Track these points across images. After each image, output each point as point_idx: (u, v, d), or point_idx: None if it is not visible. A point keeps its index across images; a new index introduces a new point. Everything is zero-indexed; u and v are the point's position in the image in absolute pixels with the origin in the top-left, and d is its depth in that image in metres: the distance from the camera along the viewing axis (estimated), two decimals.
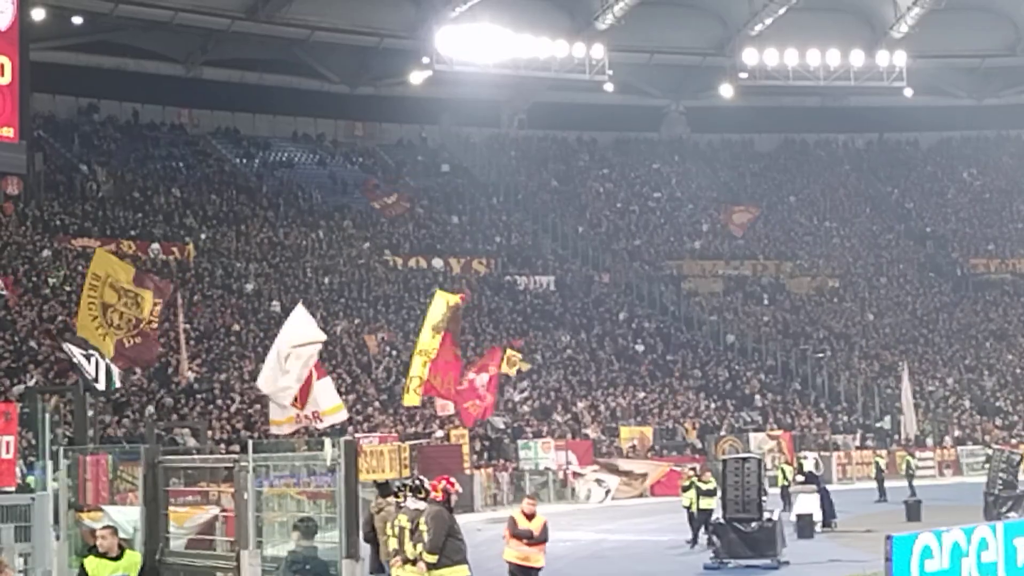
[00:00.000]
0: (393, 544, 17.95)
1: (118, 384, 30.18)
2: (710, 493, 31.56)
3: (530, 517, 19.89)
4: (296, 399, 27.19)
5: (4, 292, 47.62)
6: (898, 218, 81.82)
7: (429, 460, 42.81)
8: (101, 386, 28.13)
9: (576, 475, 49.39)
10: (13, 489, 22.33)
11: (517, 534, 19.84)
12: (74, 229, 56.59)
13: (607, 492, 49.01)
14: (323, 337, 27.91)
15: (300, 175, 70.18)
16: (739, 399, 61.32)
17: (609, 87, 73.45)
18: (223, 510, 20.97)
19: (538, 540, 19.96)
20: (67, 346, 29.18)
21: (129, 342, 29.16)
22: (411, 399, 38.64)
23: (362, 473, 26.18)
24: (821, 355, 66.51)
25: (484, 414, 43.89)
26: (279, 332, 27.66)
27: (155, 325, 30.17)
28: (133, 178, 63.01)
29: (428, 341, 36.94)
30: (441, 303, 37.59)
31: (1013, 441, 57.31)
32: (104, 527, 16.67)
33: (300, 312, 27.42)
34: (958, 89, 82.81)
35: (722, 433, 56.31)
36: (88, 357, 27.95)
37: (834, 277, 75.05)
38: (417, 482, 18.81)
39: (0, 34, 53.64)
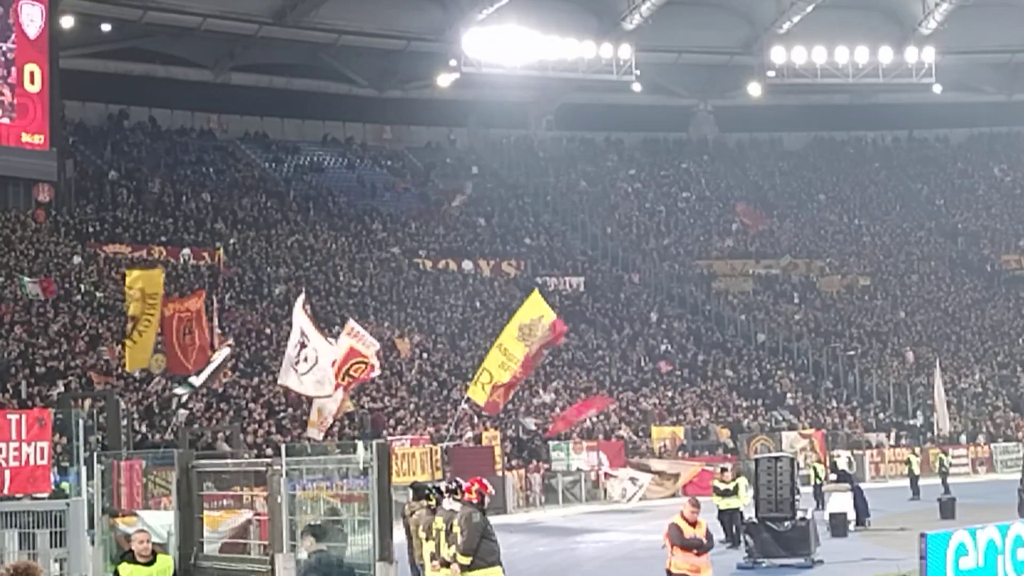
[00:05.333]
0: (429, 548, 17.96)
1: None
2: (728, 493, 31.59)
3: (694, 524, 18.73)
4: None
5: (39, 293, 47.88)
6: (928, 215, 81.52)
7: (461, 462, 42.83)
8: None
9: (608, 475, 49.34)
10: (48, 495, 22.46)
11: (686, 544, 18.62)
12: (105, 236, 56.85)
13: (640, 487, 48.92)
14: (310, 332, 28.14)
15: (329, 179, 70.35)
16: (771, 398, 61.18)
17: (637, 87, 73.41)
18: (257, 514, 21.04)
19: (707, 548, 18.85)
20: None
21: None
22: (477, 393, 37.32)
23: (394, 476, 26.23)
24: (853, 353, 66.33)
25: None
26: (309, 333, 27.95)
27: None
28: (163, 184, 63.25)
29: (511, 342, 35.95)
30: (536, 308, 36.71)
31: None
32: (138, 531, 16.77)
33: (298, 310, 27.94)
34: (987, 85, 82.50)
35: (754, 432, 56.17)
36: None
37: (865, 275, 74.81)
38: (452, 484, 18.80)
39: (30, 43, 54.10)
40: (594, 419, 53.34)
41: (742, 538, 29.11)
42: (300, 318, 28.76)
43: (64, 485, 25.92)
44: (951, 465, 49.50)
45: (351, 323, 30.55)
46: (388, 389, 50.68)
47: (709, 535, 18.92)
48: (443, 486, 19.09)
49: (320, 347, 28.02)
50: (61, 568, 21.21)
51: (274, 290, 56.01)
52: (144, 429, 40.46)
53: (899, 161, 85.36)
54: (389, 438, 41.81)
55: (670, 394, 58.86)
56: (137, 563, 15.72)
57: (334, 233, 63.90)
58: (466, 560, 16.96)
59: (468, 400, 41.76)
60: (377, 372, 29.09)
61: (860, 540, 32.03)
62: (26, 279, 48.51)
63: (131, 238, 57.42)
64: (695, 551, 18.58)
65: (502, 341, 36.21)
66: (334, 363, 28.21)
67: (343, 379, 28.11)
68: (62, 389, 40.74)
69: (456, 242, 67.69)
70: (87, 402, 35.76)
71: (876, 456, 57.21)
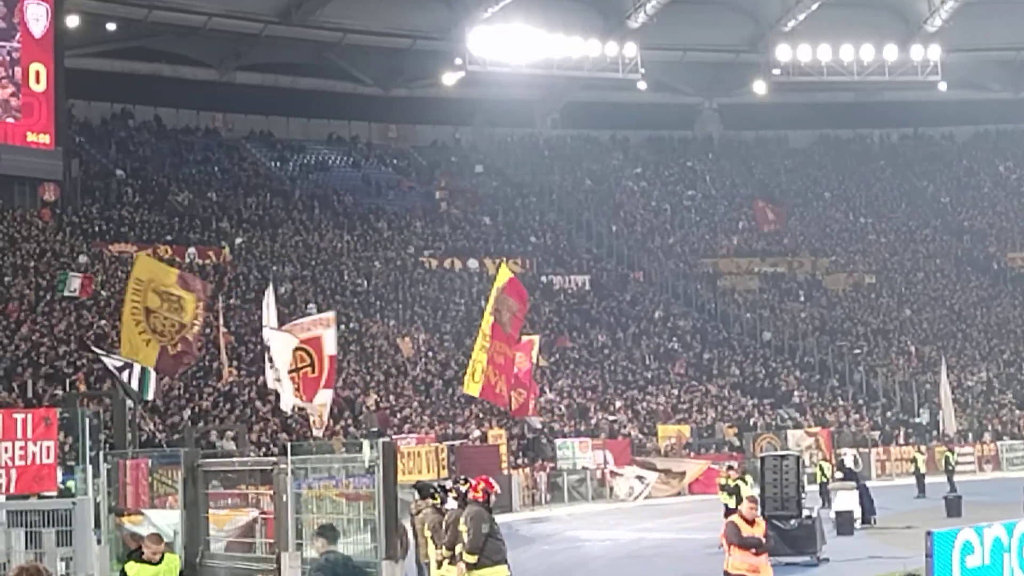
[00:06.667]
0: (431, 546, 17.99)
1: (150, 396, 30.20)
2: (728, 490, 31.67)
3: (752, 523, 18.31)
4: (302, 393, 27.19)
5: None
6: (934, 213, 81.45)
7: (467, 460, 42.85)
8: (137, 396, 28.23)
9: (614, 474, 49.35)
10: (54, 494, 22.48)
11: (744, 544, 18.13)
12: (111, 235, 56.87)
13: (646, 486, 48.91)
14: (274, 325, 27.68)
15: (334, 178, 70.36)
16: (777, 396, 61.15)
17: (642, 85, 73.41)
18: (262, 512, 21.05)
19: (765, 548, 18.44)
20: (105, 359, 29.14)
21: (172, 349, 29.32)
22: (469, 387, 37.19)
23: (400, 474, 26.20)
24: (858, 351, 66.30)
25: (525, 409, 43.22)
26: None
27: (197, 330, 30.22)
28: (168, 183, 63.27)
29: (486, 321, 35.65)
30: (499, 279, 36.22)
31: None
32: (152, 534, 16.86)
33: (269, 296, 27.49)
34: (993, 82, 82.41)
35: (760, 431, 56.15)
36: (124, 368, 28.05)
37: (870, 273, 74.77)
38: (456, 483, 18.81)
39: (35, 42, 54.17)
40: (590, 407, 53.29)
41: None
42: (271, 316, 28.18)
43: (70, 484, 25.94)
44: (957, 463, 49.50)
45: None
46: (393, 388, 50.70)
47: (767, 534, 18.58)
48: (448, 484, 19.13)
49: (275, 345, 27.43)
50: (67, 567, 21.20)
51: (279, 289, 56.01)
52: (151, 428, 40.48)
53: (905, 159, 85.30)
54: (395, 437, 41.80)
55: (676, 392, 58.85)
56: (144, 562, 15.78)
57: (339, 232, 63.89)
58: (472, 558, 16.98)
59: (470, 396, 41.75)
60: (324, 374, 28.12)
61: (866, 538, 32.03)
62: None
63: (137, 237, 57.43)
64: (753, 550, 18.17)
65: (482, 328, 35.88)
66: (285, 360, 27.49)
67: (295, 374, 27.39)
68: (68, 388, 40.76)
69: (461, 241, 67.70)
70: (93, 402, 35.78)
71: (882, 454, 57.18)
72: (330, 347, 27.34)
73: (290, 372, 26.87)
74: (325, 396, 27.75)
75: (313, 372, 27.15)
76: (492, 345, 34.40)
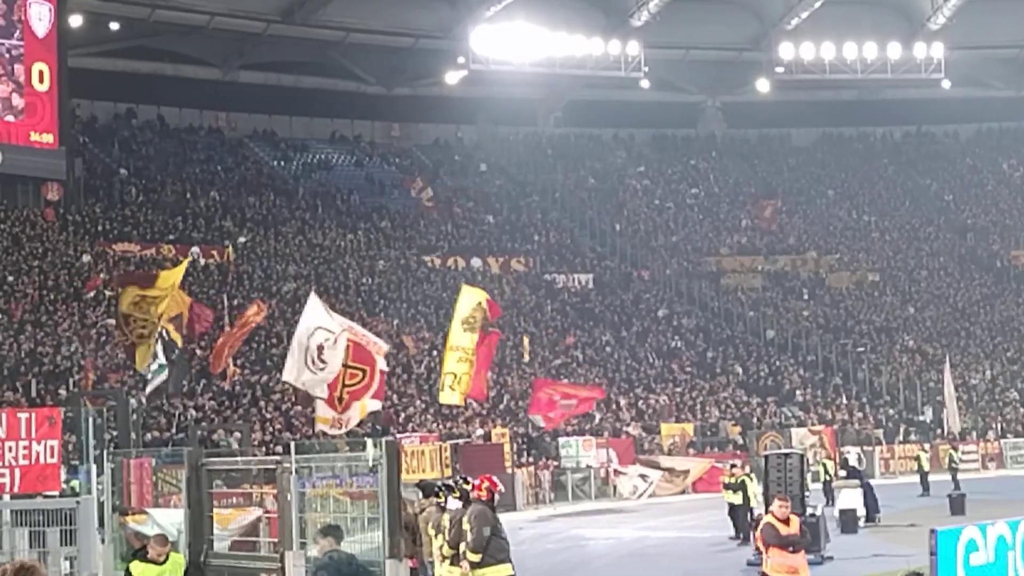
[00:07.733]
0: (436, 545, 18.00)
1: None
2: (732, 487, 31.66)
3: (786, 521, 18.04)
4: (339, 401, 27.29)
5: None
6: (937, 211, 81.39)
7: (470, 459, 42.90)
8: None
9: (618, 472, 49.34)
10: (58, 493, 22.52)
11: (783, 543, 17.90)
12: (114, 234, 56.90)
13: (650, 484, 48.89)
14: (335, 327, 27.86)
15: (337, 176, 70.36)
16: (780, 394, 61.13)
17: (645, 84, 73.37)
18: (266, 511, 21.08)
19: (803, 545, 18.22)
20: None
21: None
22: (446, 396, 38.07)
23: (404, 473, 26.22)
24: (862, 349, 66.26)
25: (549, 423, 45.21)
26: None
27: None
28: (172, 182, 63.29)
29: (460, 337, 36.53)
30: (470, 299, 37.15)
31: None
32: (158, 535, 16.89)
33: (314, 302, 27.65)
34: (996, 80, 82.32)
35: (763, 429, 56.12)
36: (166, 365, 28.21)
37: (874, 271, 74.72)
38: (457, 482, 18.82)
39: (38, 41, 54.22)
40: (596, 413, 53.33)
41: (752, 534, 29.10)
42: (321, 314, 28.50)
43: (74, 483, 25.98)
44: (961, 461, 49.46)
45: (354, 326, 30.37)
46: (397, 386, 50.69)
47: (803, 531, 18.41)
48: (452, 483, 19.14)
49: (340, 346, 27.81)
50: (71, 566, 21.23)
51: (283, 288, 56.04)
52: (157, 427, 40.53)
53: (908, 157, 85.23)
54: (398, 435, 41.84)
55: (679, 391, 58.83)
56: (148, 561, 15.80)
57: (343, 231, 63.91)
58: (476, 557, 16.98)
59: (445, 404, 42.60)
60: (375, 388, 28.60)
61: (870, 536, 32.04)
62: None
63: (140, 236, 57.48)
64: (791, 549, 17.95)
65: (451, 343, 36.66)
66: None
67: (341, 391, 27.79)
68: (71, 387, 40.79)
69: (465, 239, 67.69)
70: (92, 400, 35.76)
71: (885, 452, 57.19)
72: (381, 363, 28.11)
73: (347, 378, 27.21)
74: (374, 404, 28.33)
75: (363, 380, 27.56)
76: (475, 359, 35.30)
